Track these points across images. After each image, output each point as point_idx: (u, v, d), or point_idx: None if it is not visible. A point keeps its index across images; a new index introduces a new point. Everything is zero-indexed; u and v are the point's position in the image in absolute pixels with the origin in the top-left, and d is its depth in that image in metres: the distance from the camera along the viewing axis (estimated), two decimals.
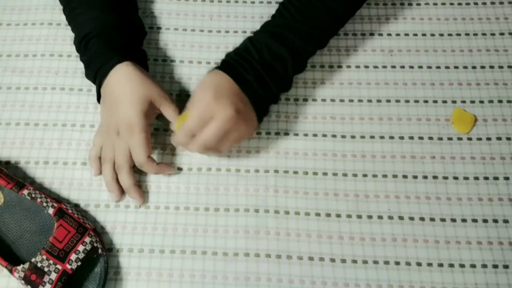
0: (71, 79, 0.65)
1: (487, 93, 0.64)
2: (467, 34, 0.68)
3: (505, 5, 0.70)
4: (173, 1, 0.70)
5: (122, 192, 0.58)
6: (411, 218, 0.58)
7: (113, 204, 0.58)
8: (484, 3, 0.70)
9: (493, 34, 0.68)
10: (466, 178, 0.60)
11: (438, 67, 0.66)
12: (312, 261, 0.56)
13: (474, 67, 0.66)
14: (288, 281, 0.55)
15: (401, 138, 0.62)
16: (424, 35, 0.68)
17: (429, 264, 0.56)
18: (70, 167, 0.60)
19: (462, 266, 0.55)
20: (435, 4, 0.70)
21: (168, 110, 0.58)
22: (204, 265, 0.56)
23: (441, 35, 0.68)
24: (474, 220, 0.58)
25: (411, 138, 0.62)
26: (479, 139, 0.62)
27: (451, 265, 0.56)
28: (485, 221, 0.58)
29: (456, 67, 0.66)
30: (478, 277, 0.55)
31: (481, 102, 0.64)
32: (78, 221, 0.55)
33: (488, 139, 0.62)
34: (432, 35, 0.68)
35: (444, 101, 0.64)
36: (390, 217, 0.58)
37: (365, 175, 0.60)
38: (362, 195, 0.59)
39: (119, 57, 0.57)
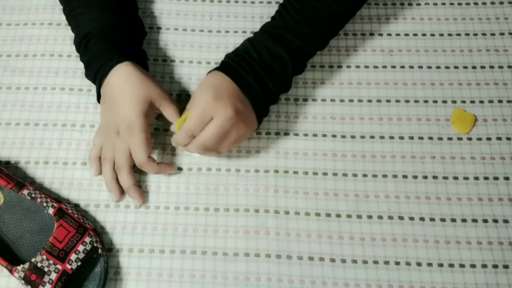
0: (71, 79, 0.65)
1: (487, 93, 0.64)
2: (467, 34, 0.68)
3: (505, 5, 0.70)
4: (173, 1, 0.70)
5: (122, 192, 0.58)
6: (411, 218, 0.58)
7: (113, 204, 0.58)
8: (484, 3, 0.70)
9: (493, 34, 0.68)
10: (466, 178, 0.60)
11: (438, 67, 0.66)
12: (312, 261, 0.56)
13: (474, 67, 0.66)
14: (288, 281, 0.55)
15: (401, 138, 0.62)
16: (424, 35, 0.68)
17: (429, 264, 0.56)
18: (70, 167, 0.60)
19: (462, 266, 0.56)
20: (435, 4, 0.70)
21: (168, 110, 0.58)
22: (204, 265, 0.56)
23: (441, 35, 0.68)
24: (474, 220, 0.58)
25: (411, 138, 0.62)
26: (479, 139, 0.62)
27: (451, 265, 0.56)
28: (485, 221, 0.58)
29: (456, 67, 0.66)
30: (478, 277, 0.55)
31: (481, 102, 0.64)
32: (78, 221, 0.55)
33: (488, 139, 0.62)
34: (432, 35, 0.68)
35: (444, 101, 0.64)
36: (390, 217, 0.58)
37: (365, 175, 0.60)
38: (362, 195, 0.59)
39: (119, 57, 0.57)
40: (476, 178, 0.60)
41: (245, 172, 0.60)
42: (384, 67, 0.66)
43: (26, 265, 0.52)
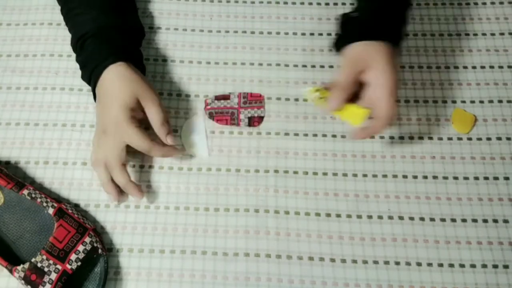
0: (71, 79, 0.65)
1: (487, 93, 0.64)
2: (467, 34, 0.68)
3: (505, 5, 0.70)
4: (173, 1, 0.70)
5: (120, 192, 0.58)
6: (411, 218, 0.58)
7: (113, 204, 0.58)
8: (484, 3, 0.70)
9: (493, 34, 0.68)
10: (466, 178, 0.60)
11: (438, 67, 0.66)
12: (312, 261, 0.56)
13: (474, 67, 0.66)
14: (288, 281, 0.55)
15: (401, 138, 0.62)
16: (424, 35, 0.68)
17: (429, 264, 0.56)
18: (70, 167, 0.60)
19: (462, 266, 0.56)
20: (435, 4, 0.70)
21: (151, 110, 0.56)
22: (204, 265, 0.56)
23: (441, 35, 0.68)
24: (474, 220, 0.58)
25: (411, 138, 0.62)
26: (479, 139, 0.62)
27: (451, 265, 0.56)
28: (485, 221, 0.58)
29: (456, 67, 0.66)
30: (478, 277, 0.55)
31: (481, 102, 0.64)
32: (78, 221, 0.55)
33: (488, 139, 0.62)
34: (432, 35, 0.68)
35: (444, 101, 0.64)
36: (390, 217, 0.58)
37: (365, 175, 0.60)
38: (362, 195, 0.59)
39: (113, 57, 0.57)
40: (476, 178, 0.60)
41: (245, 172, 0.60)
42: None
43: (26, 265, 0.52)
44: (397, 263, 0.56)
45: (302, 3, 0.70)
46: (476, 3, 0.70)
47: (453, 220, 0.58)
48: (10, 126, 0.63)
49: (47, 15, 0.69)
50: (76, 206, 0.59)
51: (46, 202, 0.55)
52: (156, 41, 0.68)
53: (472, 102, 0.64)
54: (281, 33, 0.68)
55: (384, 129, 0.55)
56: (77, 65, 0.65)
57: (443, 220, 0.58)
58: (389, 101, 0.53)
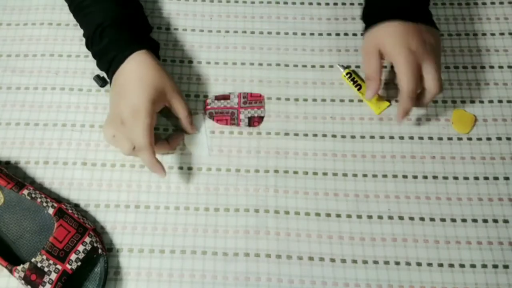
0: (71, 79, 0.65)
1: (487, 93, 0.64)
2: (467, 34, 0.68)
3: (505, 5, 0.70)
4: (173, 1, 0.70)
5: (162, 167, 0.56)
6: (411, 218, 0.58)
7: (113, 204, 0.58)
8: (484, 3, 0.70)
9: (493, 34, 0.68)
10: (466, 178, 0.60)
11: None
12: (312, 261, 0.56)
13: (474, 67, 0.66)
14: (288, 281, 0.55)
15: (401, 138, 0.62)
16: None
17: (429, 264, 0.56)
18: (70, 167, 0.60)
19: (462, 266, 0.56)
20: (435, 4, 0.70)
21: (177, 104, 0.58)
22: (204, 265, 0.56)
23: (441, 35, 0.68)
24: (474, 220, 0.58)
25: (411, 138, 0.62)
26: (479, 139, 0.62)
27: (451, 265, 0.56)
28: (485, 221, 0.58)
29: (456, 67, 0.66)
30: (478, 277, 0.55)
31: (481, 102, 0.64)
32: (78, 221, 0.55)
33: (488, 139, 0.62)
34: None
35: (444, 101, 0.64)
36: (390, 217, 0.58)
37: (365, 175, 0.60)
38: (362, 195, 0.59)
39: (136, 45, 0.57)
40: (476, 178, 0.60)
41: (245, 172, 0.60)
42: (384, 66, 0.66)
43: (26, 265, 0.52)
44: (397, 263, 0.56)
45: (302, 3, 0.70)
46: (476, 3, 0.70)
47: (453, 220, 0.58)
48: (10, 126, 0.63)
49: (47, 15, 0.69)
50: (76, 206, 0.59)
51: (46, 202, 0.55)
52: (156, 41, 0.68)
53: (472, 102, 0.64)
54: (281, 33, 0.68)
55: (410, 104, 0.57)
56: (77, 65, 0.65)
57: (443, 220, 0.58)
58: (404, 77, 0.56)
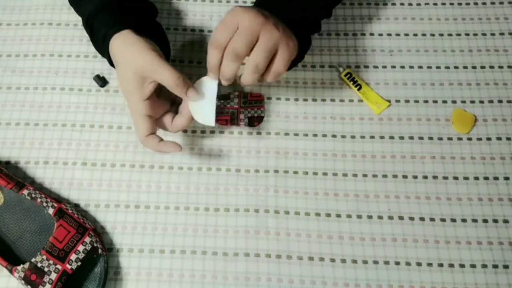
0: (71, 79, 0.65)
1: (487, 93, 0.64)
2: (467, 34, 0.68)
3: (505, 5, 0.70)
4: (173, 1, 0.70)
5: (175, 144, 0.55)
6: (411, 218, 0.58)
7: (113, 204, 0.58)
8: (484, 3, 0.70)
9: (493, 34, 0.68)
10: (466, 178, 0.60)
11: (438, 67, 0.66)
12: (312, 261, 0.56)
13: (474, 67, 0.66)
14: (288, 281, 0.55)
15: (401, 138, 0.62)
16: (424, 35, 0.68)
17: (429, 264, 0.56)
18: (70, 167, 0.60)
19: (462, 266, 0.56)
20: (435, 4, 0.70)
21: (162, 75, 0.52)
22: (204, 265, 0.56)
23: (441, 35, 0.68)
24: (474, 220, 0.58)
25: (411, 138, 0.62)
26: (479, 139, 0.62)
27: (451, 265, 0.56)
28: (485, 221, 0.58)
29: (456, 67, 0.66)
30: (478, 277, 0.55)
31: (481, 102, 0.64)
32: (78, 221, 0.55)
33: (488, 139, 0.62)
34: (432, 35, 0.68)
35: (444, 101, 0.64)
36: (390, 217, 0.58)
37: (365, 175, 0.60)
38: (362, 195, 0.59)
39: (119, 25, 0.54)
40: (476, 178, 0.60)
41: (245, 172, 0.60)
42: (384, 67, 0.66)
43: (26, 265, 0.52)
44: (397, 263, 0.56)
45: None
46: (476, 3, 0.70)
47: (453, 220, 0.58)
48: (10, 126, 0.63)
49: (47, 15, 0.69)
50: (76, 206, 0.59)
51: (46, 202, 0.55)
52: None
53: (472, 102, 0.64)
54: None
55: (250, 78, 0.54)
56: (77, 65, 0.65)
57: (443, 220, 0.58)
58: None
